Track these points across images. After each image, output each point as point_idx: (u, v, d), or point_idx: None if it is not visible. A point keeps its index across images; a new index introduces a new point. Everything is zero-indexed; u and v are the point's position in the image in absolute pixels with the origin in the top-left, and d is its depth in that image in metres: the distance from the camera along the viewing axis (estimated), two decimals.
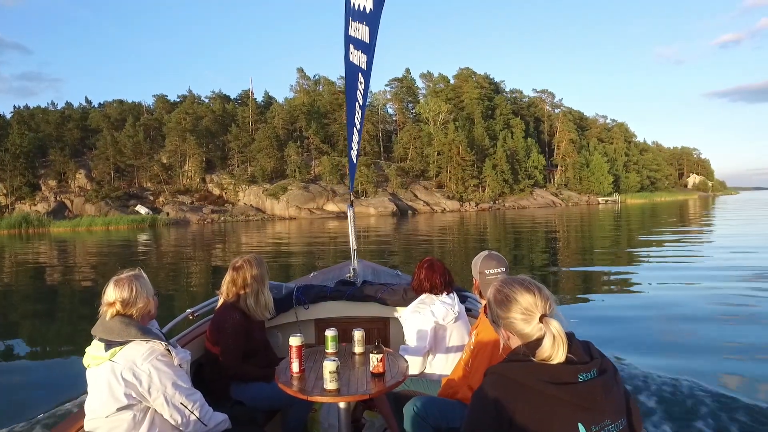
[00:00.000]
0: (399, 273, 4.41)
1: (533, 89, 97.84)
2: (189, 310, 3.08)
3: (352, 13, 2.68)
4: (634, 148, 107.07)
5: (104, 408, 1.83)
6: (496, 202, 71.16)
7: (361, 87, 2.86)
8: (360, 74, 2.80)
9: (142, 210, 59.11)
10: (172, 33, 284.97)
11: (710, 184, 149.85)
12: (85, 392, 1.93)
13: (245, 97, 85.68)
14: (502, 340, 1.48)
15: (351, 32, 2.78)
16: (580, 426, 1.24)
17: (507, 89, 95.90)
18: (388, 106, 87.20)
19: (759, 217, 31.27)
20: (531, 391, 1.26)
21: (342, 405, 2.13)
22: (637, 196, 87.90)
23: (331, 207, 62.47)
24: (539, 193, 76.74)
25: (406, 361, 2.35)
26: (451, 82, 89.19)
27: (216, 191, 68.58)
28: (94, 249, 25.54)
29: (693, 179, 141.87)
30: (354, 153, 3.83)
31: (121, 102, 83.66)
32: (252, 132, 73.38)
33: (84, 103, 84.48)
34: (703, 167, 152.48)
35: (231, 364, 2.60)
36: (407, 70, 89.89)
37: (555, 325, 1.31)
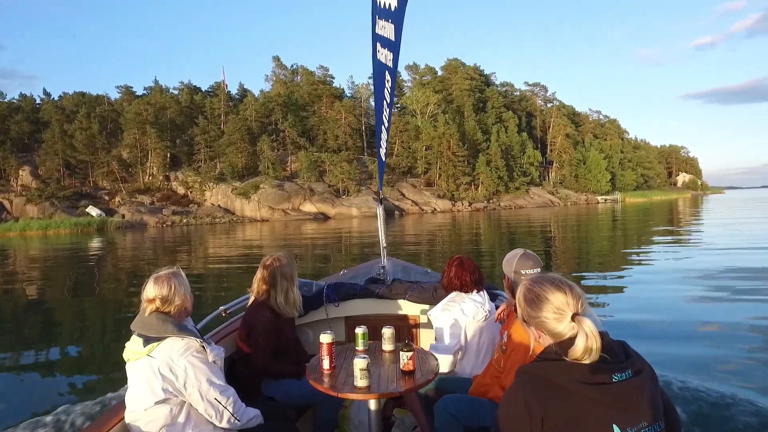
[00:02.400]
0: (429, 271, 4.23)
1: (525, 82, 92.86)
2: (222, 307, 3.08)
3: (379, 12, 2.69)
4: (627, 145, 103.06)
5: (143, 401, 1.89)
6: (491, 201, 65.68)
7: (388, 85, 2.90)
8: (387, 72, 2.83)
9: (93, 212, 52.08)
10: (152, 28, 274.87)
11: (699, 183, 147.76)
12: (123, 387, 2.03)
13: (217, 89, 78.55)
14: (532, 339, 1.45)
15: (378, 30, 2.80)
16: (615, 427, 1.21)
17: (497, 82, 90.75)
18: (371, 99, 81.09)
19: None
20: (564, 390, 1.23)
21: (372, 402, 2.13)
22: (635, 195, 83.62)
23: (308, 207, 56.15)
24: (536, 191, 71.55)
25: (437, 359, 2.32)
26: (439, 73, 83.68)
27: (180, 190, 61.75)
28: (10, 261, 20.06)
29: (683, 177, 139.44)
30: (383, 151, 3.64)
31: (82, 94, 75.39)
32: (222, 125, 66.62)
33: (42, 96, 75.95)
34: (691, 165, 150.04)
35: (262, 362, 2.59)
36: None
37: (588, 324, 1.28)
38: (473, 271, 2.76)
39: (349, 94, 80.00)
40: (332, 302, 3.38)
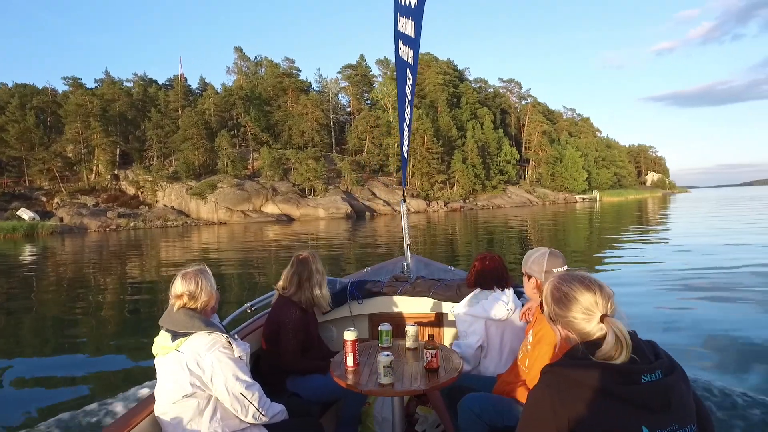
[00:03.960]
0: (452, 268, 4.24)
1: (499, 78, 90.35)
2: (247, 303, 3.10)
3: (400, 9, 2.69)
4: (601, 144, 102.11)
5: (171, 395, 1.92)
6: (467, 200, 62.47)
7: (409, 82, 2.89)
8: (408, 69, 2.82)
9: (25, 215, 46.02)
10: (107, 18, 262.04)
11: (667, 182, 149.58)
12: (154, 380, 2.03)
13: (175, 82, 72.71)
14: (558, 337, 1.42)
15: (399, 27, 2.79)
16: (645, 429, 1.18)
17: (471, 78, 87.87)
18: (341, 95, 76.94)
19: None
20: (590, 391, 1.20)
21: (396, 400, 2.16)
22: (612, 194, 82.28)
23: (270, 208, 51.53)
24: (513, 190, 68.86)
25: (460, 357, 2.31)
26: None
27: (130, 190, 56.17)
28: None
29: (651, 177, 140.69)
30: (406, 148, 3.66)
31: (24, 86, 68.11)
32: (180, 120, 61.18)
33: None
34: (659, 165, 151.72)
35: (291, 359, 2.59)
36: (362, 57, 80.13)
37: (618, 326, 1.24)
38: (497, 269, 2.70)
39: (316, 88, 75.62)
40: (356, 299, 3.35)
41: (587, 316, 1.28)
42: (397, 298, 3.34)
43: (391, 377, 1.98)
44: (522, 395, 2.09)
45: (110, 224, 46.50)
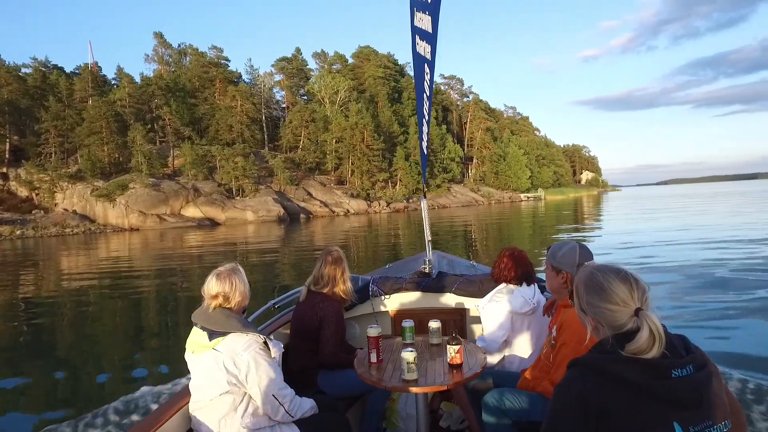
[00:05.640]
0: (474, 264, 4.21)
1: (441, 75, 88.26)
2: (272, 301, 3.09)
3: (417, 4, 2.71)
4: (540, 143, 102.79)
5: (208, 392, 1.96)
6: (410, 200, 59.09)
7: (427, 77, 2.88)
8: (426, 65, 2.82)
9: None
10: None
11: (600, 180, 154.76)
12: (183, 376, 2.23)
13: (84, 70, 63.90)
14: (588, 328, 1.38)
15: (416, 23, 2.82)
16: (677, 426, 1.15)
17: (413, 73, 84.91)
18: (275, 89, 71.28)
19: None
20: (619, 385, 1.17)
21: (420, 395, 2.16)
22: (554, 192, 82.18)
23: (191, 212, 45.51)
24: (458, 189, 66.46)
25: (484, 353, 2.32)
26: (350, 61, 76.13)
27: (23, 192, 47.98)
28: None
29: (586, 176, 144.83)
30: (425, 144, 3.63)
31: None
32: (86, 111, 53.32)
33: None
34: (592, 164, 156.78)
35: (332, 352, 2.58)
36: (298, 50, 75.02)
37: (653, 320, 1.21)
38: (524, 264, 2.67)
39: (247, 80, 69.64)
40: (378, 296, 3.33)
41: (622, 308, 1.24)
42: (419, 294, 3.30)
43: (415, 373, 1.98)
44: (547, 390, 2.06)
45: None
